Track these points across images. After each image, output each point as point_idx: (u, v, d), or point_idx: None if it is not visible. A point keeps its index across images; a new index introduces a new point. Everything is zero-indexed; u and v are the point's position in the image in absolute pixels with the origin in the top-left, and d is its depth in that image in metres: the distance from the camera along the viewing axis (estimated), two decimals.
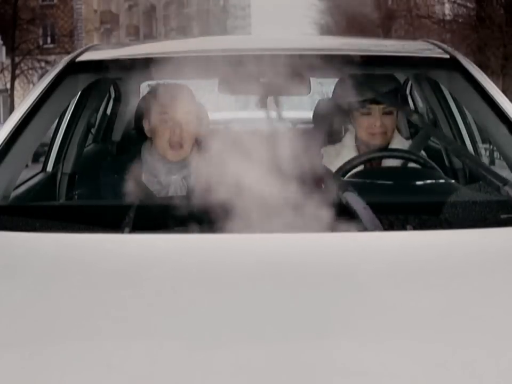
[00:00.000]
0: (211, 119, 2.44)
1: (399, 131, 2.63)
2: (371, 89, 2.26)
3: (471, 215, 1.52)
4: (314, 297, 1.14)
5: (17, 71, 28.45)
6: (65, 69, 2.00)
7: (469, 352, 1.00)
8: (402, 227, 1.46)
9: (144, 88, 3.01)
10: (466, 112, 2.97)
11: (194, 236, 1.42)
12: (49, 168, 2.96)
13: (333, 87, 2.54)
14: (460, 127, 3.08)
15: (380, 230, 1.41)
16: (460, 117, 3.09)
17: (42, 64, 28.54)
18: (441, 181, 2.03)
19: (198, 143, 2.24)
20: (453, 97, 2.97)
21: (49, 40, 35.61)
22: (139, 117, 2.30)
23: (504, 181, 1.54)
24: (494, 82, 1.99)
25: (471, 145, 3.08)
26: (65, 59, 2.07)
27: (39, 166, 3.03)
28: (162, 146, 2.20)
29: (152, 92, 2.26)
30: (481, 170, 1.62)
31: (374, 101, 2.28)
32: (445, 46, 2.18)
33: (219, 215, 1.43)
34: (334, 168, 2.07)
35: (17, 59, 28.44)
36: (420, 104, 3.58)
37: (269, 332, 1.04)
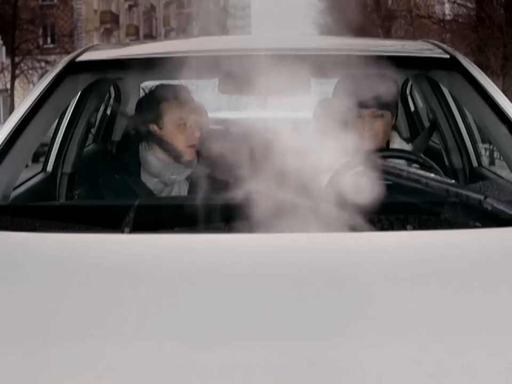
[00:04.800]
0: (211, 119, 2.44)
1: (398, 132, 2.62)
2: (366, 91, 2.26)
3: (471, 215, 1.52)
4: (314, 297, 1.14)
5: (17, 71, 28.48)
6: (65, 69, 2.00)
7: (469, 352, 1.00)
8: (402, 227, 1.46)
9: (144, 88, 3.01)
10: (466, 112, 2.97)
11: (195, 236, 1.42)
12: (49, 168, 2.96)
13: (333, 87, 2.53)
14: (460, 127, 3.08)
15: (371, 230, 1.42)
16: (460, 117, 3.09)
17: (42, 64, 28.58)
18: None
19: (200, 143, 2.25)
20: (453, 97, 2.96)
21: (49, 40, 35.62)
22: (140, 118, 2.30)
23: (484, 194, 1.52)
24: (494, 82, 1.99)
25: (471, 145, 3.08)
26: (65, 59, 2.07)
27: (39, 166, 3.03)
28: (180, 147, 2.22)
29: (154, 93, 2.26)
30: (457, 189, 1.58)
31: (363, 105, 2.29)
32: (445, 46, 2.18)
33: (220, 215, 1.44)
34: (333, 169, 2.07)
35: (17, 59, 28.47)
36: (420, 104, 3.58)
37: (269, 332, 1.04)
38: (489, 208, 1.48)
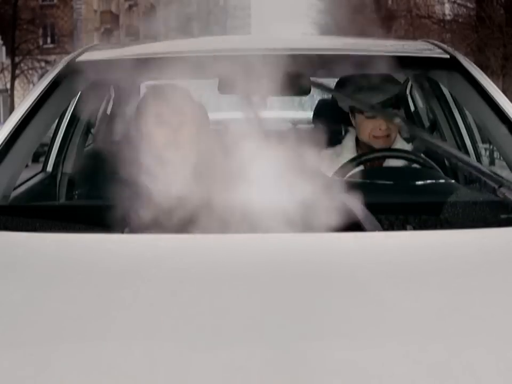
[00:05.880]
0: (211, 119, 2.44)
1: (399, 132, 2.62)
2: (374, 91, 2.26)
3: (471, 215, 1.52)
4: (314, 297, 1.14)
5: (17, 71, 28.51)
6: (65, 69, 2.00)
7: (469, 352, 1.00)
8: (402, 227, 1.46)
9: (143, 88, 3.01)
10: (466, 112, 2.97)
11: (195, 236, 1.42)
12: (49, 168, 2.97)
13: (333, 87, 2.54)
14: (460, 127, 3.08)
15: (379, 230, 1.41)
16: (460, 117, 3.09)
17: (42, 64, 28.60)
18: (441, 181, 2.03)
19: (199, 143, 2.25)
20: (453, 97, 2.97)
21: (49, 40, 35.63)
22: (140, 118, 2.30)
23: (500, 183, 1.54)
24: (494, 82, 1.99)
25: (471, 145, 3.08)
26: (65, 59, 2.07)
27: (39, 166, 3.03)
28: (179, 147, 2.22)
29: (153, 94, 2.26)
30: (476, 172, 1.61)
31: (380, 105, 2.28)
32: (445, 46, 2.18)
33: (219, 215, 1.44)
34: (334, 169, 2.07)
35: (17, 59, 28.49)
36: (420, 104, 3.58)
37: (269, 332, 1.04)
38: (501, 197, 1.49)
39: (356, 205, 1.46)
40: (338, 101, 2.48)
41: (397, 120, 2.33)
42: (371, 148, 2.35)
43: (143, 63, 2.07)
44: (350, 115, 2.42)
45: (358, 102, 2.33)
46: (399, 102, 2.37)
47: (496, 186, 1.51)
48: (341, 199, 1.49)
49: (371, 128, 2.33)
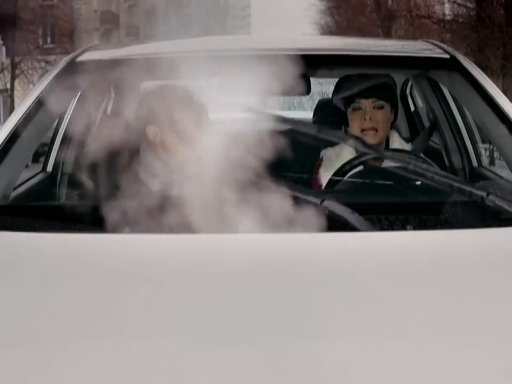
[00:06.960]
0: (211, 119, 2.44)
1: (398, 132, 2.63)
2: (366, 83, 2.26)
3: (471, 215, 1.52)
4: (314, 297, 1.14)
5: (17, 71, 28.53)
6: (65, 69, 2.01)
7: (469, 352, 1.00)
8: (402, 227, 1.46)
9: (144, 88, 3.01)
10: (466, 112, 2.98)
11: (195, 236, 1.42)
12: (49, 168, 2.97)
13: (333, 87, 2.54)
14: (460, 127, 3.09)
15: (372, 230, 1.41)
16: (460, 117, 3.09)
17: (42, 64, 28.60)
18: None
19: (199, 143, 2.25)
20: (453, 97, 2.97)
21: (49, 40, 35.62)
22: (139, 118, 2.30)
23: (487, 190, 1.52)
24: (494, 82, 1.99)
25: (471, 145, 3.09)
26: (65, 59, 2.08)
27: (39, 166, 3.03)
28: (178, 148, 2.22)
29: (152, 95, 2.26)
30: (457, 184, 1.59)
31: (364, 95, 2.29)
32: (445, 46, 2.19)
33: (219, 215, 1.43)
34: (333, 170, 2.07)
35: (17, 59, 28.50)
36: (420, 104, 3.58)
37: (268, 332, 1.04)
38: (491, 205, 1.48)
39: (340, 208, 1.45)
40: (333, 100, 2.48)
41: (384, 111, 2.32)
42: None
43: (143, 63, 2.07)
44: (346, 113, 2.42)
45: (344, 90, 2.33)
46: (391, 96, 2.36)
47: (484, 195, 1.50)
48: (324, 209, 1.47)
49: (359, 120, 2.32)
